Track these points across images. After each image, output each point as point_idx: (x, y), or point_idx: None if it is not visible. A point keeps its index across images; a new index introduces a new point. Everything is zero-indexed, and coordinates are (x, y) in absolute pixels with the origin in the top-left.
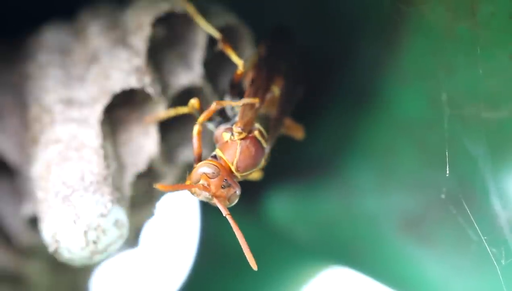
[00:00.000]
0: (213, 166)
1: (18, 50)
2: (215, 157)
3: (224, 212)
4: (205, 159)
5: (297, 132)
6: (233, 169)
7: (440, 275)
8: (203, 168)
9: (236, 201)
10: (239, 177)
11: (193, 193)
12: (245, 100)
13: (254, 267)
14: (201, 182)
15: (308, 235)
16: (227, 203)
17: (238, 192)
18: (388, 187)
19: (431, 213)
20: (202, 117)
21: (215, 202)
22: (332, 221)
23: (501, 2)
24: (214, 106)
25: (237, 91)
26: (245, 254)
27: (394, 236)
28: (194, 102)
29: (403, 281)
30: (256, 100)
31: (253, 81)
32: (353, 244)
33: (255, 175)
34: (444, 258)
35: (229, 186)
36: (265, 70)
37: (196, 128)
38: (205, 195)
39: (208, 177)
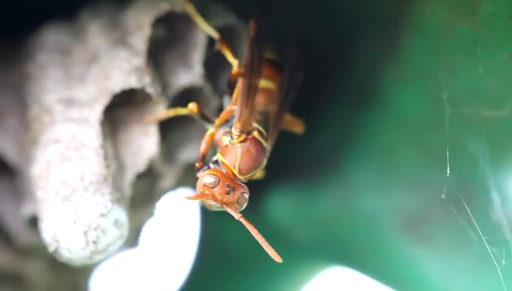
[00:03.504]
0: (212, 175)
1: (18, 50)
2: (216, 162)
3: (237, 216)
4: (208, 162)
5: (297, 127)
6: (235, 172)
7: (440, 275)
8: (203, 180)
9: (246, 203)
10: (242, 179)
11: (207, 206)
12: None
13: (279, 260)
14: (206, 192)
15: (308, 235)
16: (238, 206)
17: (246, 195)
18: (388, 187)
19: (431, 213)
20: (218, 121)
21: (225, 208)
22: (332, 221)
23: (502, 2)
24: (229, 107)
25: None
26: (267, 250)
27: (394, 236)
28: (192, 106)
29: (403, 281)
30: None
31: (245, 65)
32: (353, 244)
33: (258, 173)
34: (444, 258)
35: (233, 190)
36: (256, 51)
37: (210, 131)
38: (215, 205)
39: (210, 187)
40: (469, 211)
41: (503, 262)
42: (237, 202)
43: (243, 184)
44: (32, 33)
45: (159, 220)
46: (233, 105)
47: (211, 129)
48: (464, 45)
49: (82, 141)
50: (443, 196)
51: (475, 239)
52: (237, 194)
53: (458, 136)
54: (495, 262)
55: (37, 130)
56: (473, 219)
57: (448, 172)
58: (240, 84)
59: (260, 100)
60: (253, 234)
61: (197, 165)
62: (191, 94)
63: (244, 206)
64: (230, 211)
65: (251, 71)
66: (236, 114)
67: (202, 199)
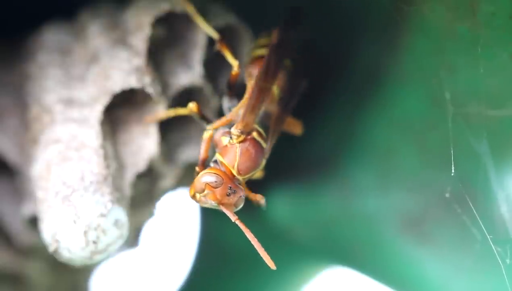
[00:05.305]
0: (215, 175)
1: (18, 50)
2: (215, 161)
3: (233, 218)
4: (207, 163)
5: (296, 128)
6: (234, 172)
7: (441, 275)
8: (205, 178)
9: (242, 204)
10: (241, 180)
11: (198, 202)
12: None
13: (273, 266)
14: (206, 191)
15: (308, 235)
16: (234, 208)
17: (243, 196)
18: (389, 187)
19: (432, 213)
20: (216, 124)
21: (222, 209)
22: (332, 221)
23: (501, 2)
24: (229, 116)
25: (234, 92)
26: (261, 255)
27: (394, 236)
28: (192, 106)
29: (403, 281)
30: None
31: (261, 71)
32: (353, 244)
33: (257, 174)
34: (446, 258)
35: (234, 192)
36: (275, 58)
37: (207, 134)
38: (211, 203)
39: (212, 186)
40: (474, 210)
41: (508, 261)
42: (235, 204)
43: (240, 186)
44: (32, 33)
45: (159, 220)
46: (232, 116)
47: (207, 133)
48: (464, 45)
49: (82, 141)
50: (447, 195)
51: (478, 238)
52: (237, 196)
53: (460, 135)
54: (500, 261)
55: (37, 130)
56: (478, 218)
57: (452, 171)
58: (250, 86)
59: None
60: (248, 237)
61: (197, 169)
62: (191, 94)
63: (240, 206)
64: (226, 212)
65: (266, 77)
66: (241, 115)
67: (199, 195)
